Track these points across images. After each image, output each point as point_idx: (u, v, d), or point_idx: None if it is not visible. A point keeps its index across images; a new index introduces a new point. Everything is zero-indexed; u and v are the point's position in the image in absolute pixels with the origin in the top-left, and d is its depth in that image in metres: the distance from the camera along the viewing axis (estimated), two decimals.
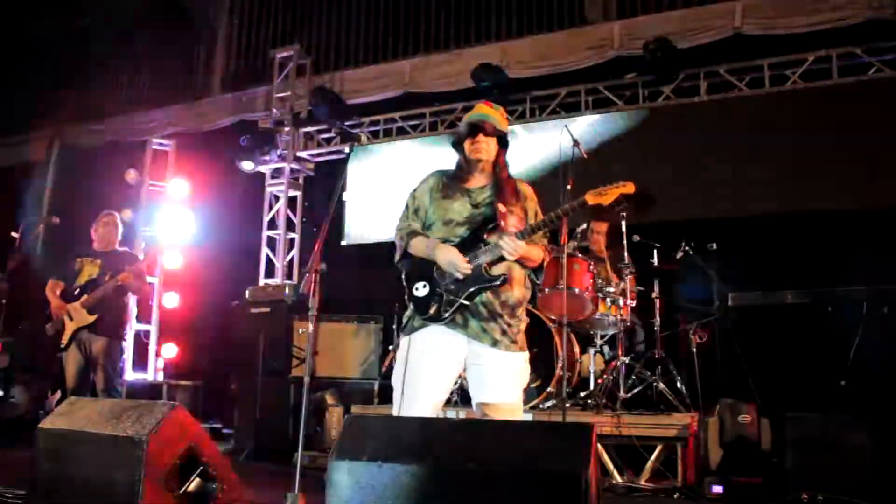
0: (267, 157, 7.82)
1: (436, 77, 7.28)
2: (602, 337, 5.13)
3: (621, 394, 4.59)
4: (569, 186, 4.24)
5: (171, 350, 8.17)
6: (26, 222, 5.22)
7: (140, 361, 8.04)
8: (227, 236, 8.26)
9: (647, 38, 6.15)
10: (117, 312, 5.18)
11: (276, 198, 8.14)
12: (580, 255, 4.89)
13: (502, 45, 7.06)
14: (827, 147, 5.79)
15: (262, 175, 8.15)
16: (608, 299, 4.86)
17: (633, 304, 5.08)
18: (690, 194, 6.13)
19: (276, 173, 8.12)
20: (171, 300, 8.31)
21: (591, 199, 2.93)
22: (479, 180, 3.03)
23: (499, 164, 3.03)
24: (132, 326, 7.79)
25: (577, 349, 5.02)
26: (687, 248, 4.92)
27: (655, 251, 5.15)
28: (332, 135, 8.07)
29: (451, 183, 3.04)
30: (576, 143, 4.51)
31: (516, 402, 2.93)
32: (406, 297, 2.99)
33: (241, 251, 8.19)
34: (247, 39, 9.03)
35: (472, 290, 2.87)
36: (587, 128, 6.61)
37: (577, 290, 4.71)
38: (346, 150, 7.81)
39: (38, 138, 9.52)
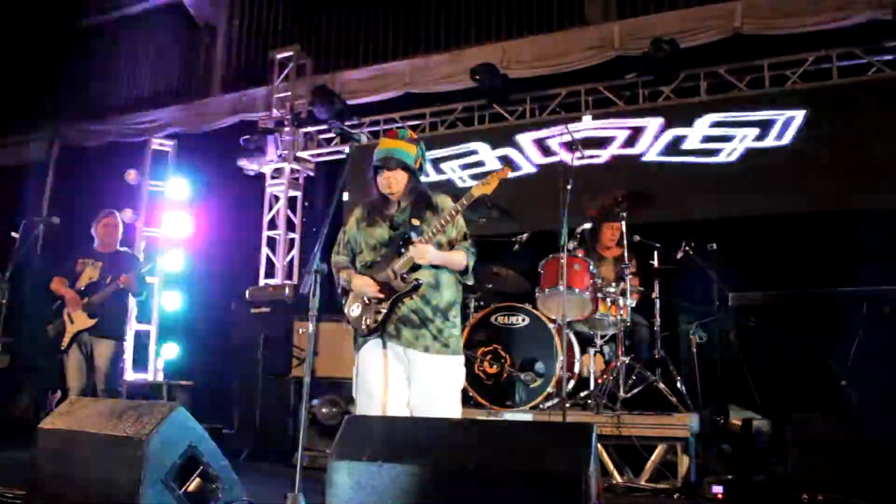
0: (267, 158, 7.81)
1: (436, 77, 7.28)
2: (602, 337, 5.13)
3: (621, 394, 4.59)
4: (569, 187, 4.24)
5: (171, 350, 8.17)
6: (26, 222, 5.21)
7: (140, 361, 8.03)
8: (227, 236, 8.25)
9: (646, 38, 6.15)
10: (118, 314, 5.19)
11: (277, 198, 8.13)
12: (581, 255, 4.89)
13: (502, 45, 7.05)
14: (827, 146, 5.79)
15: (263, 175, 8.14)
16: (608, 299, 4.86)
17: (634, 305, 5.08)
18: (690, 194, 6.12)
19: (277, 173, 8.12)
20: (171, 300, 8.30)
21: (476, 190, 3.13)
22: (397, 206, 3.31)
23: (410, 188, 3.27)
24: (132, 327, 7.79)
25: (577, 349, 5.02)
26: (687, 248, 4.91)
27: (655, 251, 5.15)
28: (332, 135, 8.07)
29: (374, 211, 3.33)
30: (575, 143, 4.51)
31: (448, 407, 3.14)
32: (347, 321, 3.30)
33: (241, 251, 8.18)
34: (247, 39, 9.03)
35: (391, 300, 3.14)
36: (587, 127, 6.61)
37: (577, 290, 4.71)
38: (346, 150, 7.83)
39: (38, 138, 9.52)
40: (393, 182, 3.23)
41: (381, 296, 3.15)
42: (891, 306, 4.22)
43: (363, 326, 3.19)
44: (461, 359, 3.24)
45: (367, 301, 3.20)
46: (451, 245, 3.23)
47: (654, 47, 5.99)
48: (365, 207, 3.40)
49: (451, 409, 3.17)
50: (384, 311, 3.14)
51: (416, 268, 3.14)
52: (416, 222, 3.17)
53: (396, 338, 3.14)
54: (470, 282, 3.31)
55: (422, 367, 3.14)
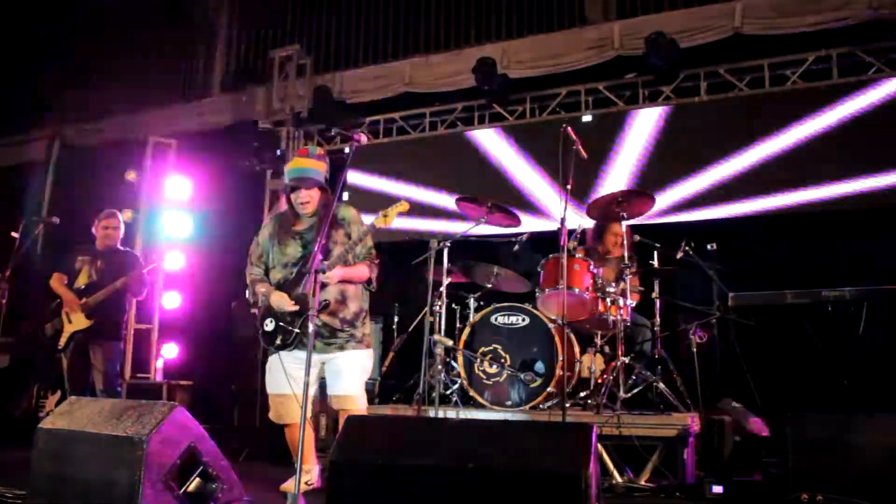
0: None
1: (436, 77, 7.28)
2: (602, 337, 5.12)
3: (621, 394, 4.58)
4: (568, 186, 4.24)
5: (171, 350, 8.16)
6: (26, 222, 5.21)
7: (140, 361, 8.02)
8: (227, 236, 8.23)
9: (647, 37, 6.15)
10: (116, 314, 5.18)
11: (277, 197, 8.12)
12: (581, 255, 4.89)
13: (502, 45, 7.05)
14: (828, 147, 5.79)
15: (263, 174, 8.14)
16: (608, 299, 4.85)
17: (634, 305, 5.08)
18: (690, 194, 6.12)
19: (277, 172, 8.11)
20: (171, 300, 8.29)
21: (378, 222, 3.40)
22: (306, 222, 3.64)
23: (322, 204, 3.60)
24: (132, 327, 7.78)
25: (577, 349, 5.02)
26: (687, 248, 4.91)
27: (655, 251, 5.14)
28: (332, 135, 8.06)
29: (285, 227, 3.66)
30: (575, 143, 4.50)
31: (358, 393, 3.56)
32: (259, 332, 3.60)
33: (241, 251, 8.15)
34: (247, 39, 9.03)
35: (303, 318, 3.39)
36: (587, 128, 6.60)
37: (577, 290, 4.70)
38: (346, 150, 7.81)
39: (38, 138, 9.51)
40: (309, 201, 3.56)
41: (296, 309, 3.43)
42: (891, 306, 4.22)
43: (278, 342, 3.49)
44: (371, 351, 3.66)
45: (279, 318, 3.50)
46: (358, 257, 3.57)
47: (650, 43, 5.99)
48: (276, 222, 3.72)
49: (358, 392, 3.54)
50: (296, 330, 3.43)
51: (323, 285, 3.37)
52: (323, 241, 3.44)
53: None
54: (372, 289, 3.66)
55: (340, 361, 3.51)
